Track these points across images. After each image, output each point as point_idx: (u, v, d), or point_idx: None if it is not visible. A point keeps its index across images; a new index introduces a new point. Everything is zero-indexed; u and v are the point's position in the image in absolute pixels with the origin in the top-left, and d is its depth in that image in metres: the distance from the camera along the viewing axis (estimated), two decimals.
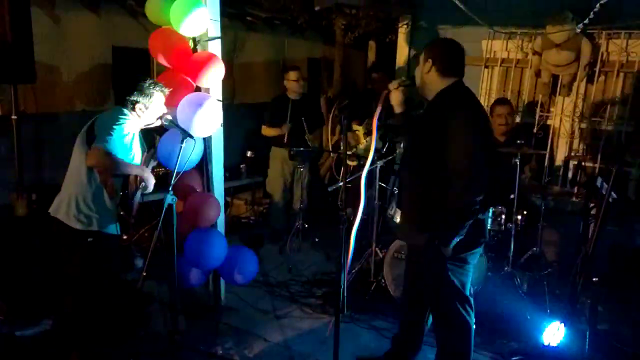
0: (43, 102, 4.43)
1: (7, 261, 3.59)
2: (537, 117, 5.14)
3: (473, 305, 2.74)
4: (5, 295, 3.46)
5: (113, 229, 2.92)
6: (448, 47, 2.62)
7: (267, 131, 5.03)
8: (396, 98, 2.73)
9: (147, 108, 2.91)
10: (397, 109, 2.77)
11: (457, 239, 2.44)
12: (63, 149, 3.03)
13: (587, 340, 2.24)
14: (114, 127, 2.72)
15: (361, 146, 4.92)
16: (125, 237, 4.04)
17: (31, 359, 3.16)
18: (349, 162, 4.46)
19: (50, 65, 4.52)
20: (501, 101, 4.37)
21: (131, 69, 5.05)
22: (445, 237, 2.46)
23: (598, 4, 3.30)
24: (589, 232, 2.67)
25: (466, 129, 2.40)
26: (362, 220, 4.11)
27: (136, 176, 2.98)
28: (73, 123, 3.24)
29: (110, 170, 2.77)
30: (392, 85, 2.73)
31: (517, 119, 4.16)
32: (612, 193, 3.35)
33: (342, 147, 3.11)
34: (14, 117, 3.85)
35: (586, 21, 3.74)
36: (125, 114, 2.85)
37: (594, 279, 2.07)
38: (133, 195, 3.00)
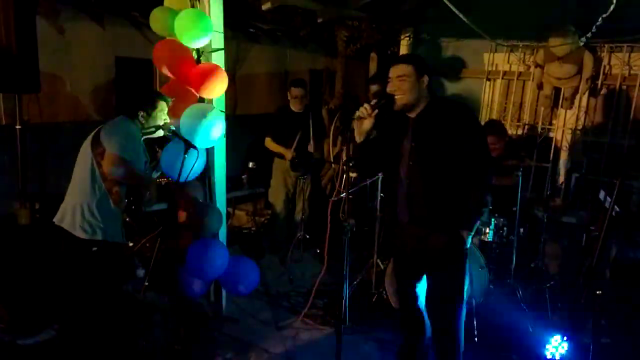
0: (47, 112, 4.45)
1: (10, 270, 3.58)
2: (539, 129, 5.15)
3: None
4: (8, 303, 3.46)
5: (118, 237, 2.93)
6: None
7: (271, 145, 5.04)
8: (368, 124, 2.58)
9: (149, 116, 2.93)
10: (360, 138, 2.60)
11: (478, 224, 2.66)
12: (66, 159, 3.05)
13: (591, 354, 2.23)
14: (123, 134, 2.75)
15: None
16: (131, 244, 4.05)
17: None
18: (350, 174, 4.46)
19: (54, 75, 4.55)
20: (498, 133, 3.99)
21: (134, 80, 5.09)
22: (470, 221, 2.62)
23: (600, 18, 3.32)
24: (592, 245, 2.67)
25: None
26: (363, 231, 4.10)
27: (141, 185, 3.00)
28: (76, 133, 3.26)
29: (124, 176, 2.78)
30: (366, 110, 2.54)
31: (520, 132, 4.16)
32: (615, 207, 3.36)
33: (343, 159, 3.10)
34: (18, 126, 3.87)
35: (589, 35, 3.76)
36: (129, 123, 2.87)
37: (597, 292, 2.06)
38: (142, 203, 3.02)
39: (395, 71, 2.61)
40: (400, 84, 2.58)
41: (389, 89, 2.61)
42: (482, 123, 4.03)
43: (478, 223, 2.69)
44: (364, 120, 2.55)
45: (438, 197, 2.63)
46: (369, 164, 2.71)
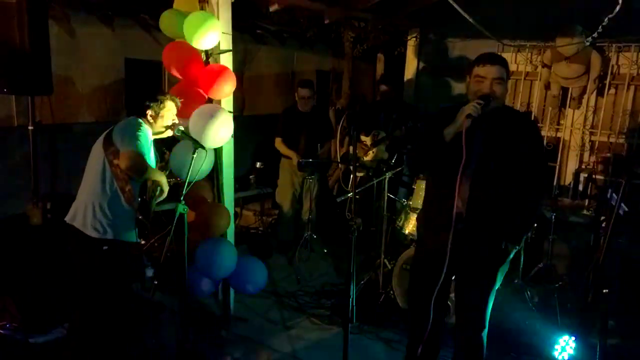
0: (58, 113, 4.51)
1: (22, 269, 3.63)
2: (546, 129, 5.14)
3: None
4: (20, 302, 3.51)
5: (130, 236, 2.96)
6: None
7: (281, 147, 5.08)
8: (469, 123, 2.37)
9: (158, 115, 2.96)
10: (451, 137, 2.42)
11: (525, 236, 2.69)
12: (78, 159, 3.09)
13: (598, 354, 2.23)
14: (135, 133, 2.78)
15: (367, 157, 4.95)
16: (143, 242, 4.08)
17: None
18: (357, 174, 4.48)
19: (66, 77, 4.61)
20: None
21: (143, 81, 5.14)
22: (520, 234, 2.62)
23: (607, 18, 3.31)
24: (600, 245, 2.66)
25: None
26: (370, 231, 4.08)
27: (153, 182, 3.03)
28: (87, 133, 3.31)
29: (143, 170, 2.81)
30: (476, 109, 2.37)
31: None
32: (624, 205, 3.36)
33: (350, 158, 3.08)
34: (30, 127, 3.92)
35: (595, 34, 3.75)
36: (140, 122, 2.91)
37: (604, 291, 2.06)
38: (151, 200, 3.05)
39: (492, 72, 2.45)
40: (498, 86, 2.45)
41: (485, 90, 2.44)
42: None
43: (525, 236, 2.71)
44: (468, 122, 2.36)
45: (500, 204, 2.55)
46: (428, 162, 2.59)
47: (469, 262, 2.63)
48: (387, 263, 4.14)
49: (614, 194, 3.18)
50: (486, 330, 2.76)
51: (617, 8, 3.04)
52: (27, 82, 3.61)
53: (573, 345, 3.08)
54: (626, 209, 3.44)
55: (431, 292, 2.66)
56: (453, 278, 2.80)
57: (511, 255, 2.66)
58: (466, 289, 2.74)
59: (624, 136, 4.84)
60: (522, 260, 3.81)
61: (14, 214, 4.05)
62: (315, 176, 5.16)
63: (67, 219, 2.92)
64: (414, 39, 6.05)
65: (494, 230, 2.58)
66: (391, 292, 3.91)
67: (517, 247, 2.64)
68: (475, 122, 2.40)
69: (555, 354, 3.14)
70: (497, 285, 2.71)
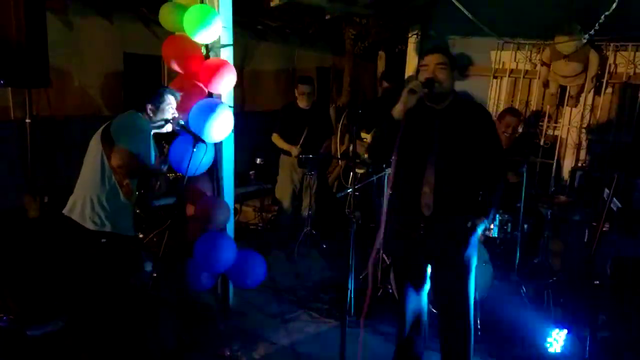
0: (56, 106, 4.51)
1: (19, 262, 3.64)
2: (544, 127, 5.17)
3: None
4: (17, 295, 3.51)
5: (128, 229, 2.97)
6: None
7: (279, 141, 5.07)
8: (413, 101, 2.54)
9: (157, 109, 2.97)
10: (400, 115, 2.55)
11: (493, 212, 2.79)
12: (75, 152, 3.10)
13: (587, 345, 2.26)
14: (133, 128, 2.79)
15: (367, 155, 4.95)
16: (141, 235, 4.09)
17: (42, 359, 3.19)
18: (357, 170, 4.49)
19: (64, 70, 4.61)
20: (513, 112, 4.28)
21: (142, 75, 5.14)
22: (487, 208, 2.72)
23: (603, 16, 3.34)
24: (595, 241, 2.70)
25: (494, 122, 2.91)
26: (369, 227, 4.07)
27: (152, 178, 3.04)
28: (85, 127, 3.31)
29: (134, 170, 2.82)
30: (418, 86, 2.55)
31: (520, 129, 4.18)
32: (617, 202, 3.39)
33: (350, 155, 3.10)
34: (27, 120, 3.93)
35: (592, 32, 3.77)
36: (139, 116, 2.91)
37: (595, 282, 2.09)
38: (152, 195, 3.06)
39: (434, 59, 2.63)
40: (440, 71, 2.61)
41: (427, 75, 2.61)
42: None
43: (493, 212, 2.80)
44: (412, 97, 2.52)
45: (463, 189, 2.69)
46: (388, 148, 2.60)
47: (441, 248, 2.73)
48: (385, 258, 4.16)
49: (607, 190, 3.20)
50: (471, 317, 2.81)
51: (614, 6, 3.06)
52: (25, 74, 3.61)
53: (565, 337, 3.13)
54: (619, 205, 3.47)
55: (409, 280, 2.85)
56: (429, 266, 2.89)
57: (479, 231, 2.73)
58: (441, 274, 2.82)
59: (620, 134, 4.87)
60: (517, 255, 3.85)
61: (11, 208, 4.05)
62: (315, 172, 5.16)
63: (65, 211, 2.92)
64: (415, 36, 6.05)
65: (462, 216, 2.70)
66: (389, 286, 3.94)
67: (485, 224, 2.73)
68: (432, 114, 2.67)
69: (548, 346, 3.19)
70: (473, 268, 2.78)
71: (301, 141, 4.90)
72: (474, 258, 2.80)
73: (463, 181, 2.69)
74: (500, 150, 2.83)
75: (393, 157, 2.53)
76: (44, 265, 3.65)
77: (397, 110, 2.55)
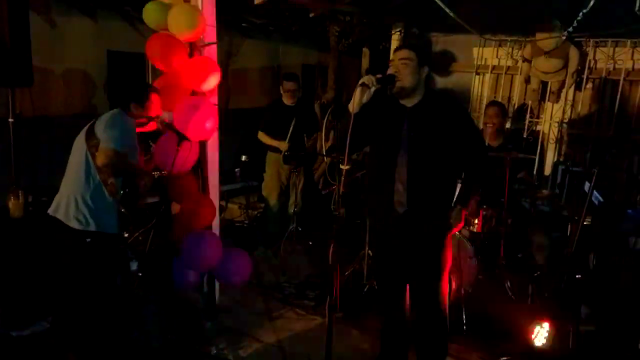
0: (39, 105, 4.45)
1: (3, 262, 3.61)
2: (526, 123, 5.24)
3: None
4: (1, 296, 3.48)
5: (113, 228, 2.96)
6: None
7: (265, 138, 5.07)
8: (367, 96, 2.50)
9: (142, 107, 2.96)
10: (357, 109, 2.50)
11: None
12: (59, 152, 3.08)
13: (571, 339, 2.31)
14: (118, 127, 2.78)
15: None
16: (126, 234, 4.08)
17: (27, 359, 3.18)
18: (342, 167, 4.51)
19: (47, 68, 4.58)
20: (495, 103, 4.34)
21: (126, 73, 5.12)
22: (464, 198, 2.78)
23: (581, 13, 3.40)
24: (576, 235, 2.75)
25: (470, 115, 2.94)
26: (355, 223, 4.08)
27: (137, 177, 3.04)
28: (68, 126, 3.28)
29: (119, 169, 2.81)
30: (371, 80, 2.51)
31: (508, 125, 4.24)
32: (599, 196, 3.45)
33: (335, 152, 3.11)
34: (10, 119, 3.88)
35: (570, 29, 3.84)
36: (123, 115, 2.91)
37: (577, 276, 2.14)
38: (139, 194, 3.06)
39: (399, 54, 2.67)
40: (403, 67, 2.63)
41: (390, 70, 2.64)
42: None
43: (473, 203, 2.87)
44: (365, 91, 2.48)
45: (437, 186, 2.70)
46: (355, 141, 2.49)
47: (415, 245, 2.75)
48: (371, 254, 4.19)
49: (587, 184, 3.26)
50: (446, 314, 2.86)
51: (592, 3, 3.12)
52: (7, 73, 3.57)
53: (548, 331, 3.18)
54: (601, 199, 3.54)
55: (389, 276, 2.88)
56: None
57: (454, 227, 2.78)
58: (416, 271, 2.84)
59: (600, 129, 4.95)
60: (502, 250, 3.89)
61: None
62: (301, 169, 5.18)
63: (50, 210, 2.91)
64: (398, 33, 6.09)
65: (435, 211, 2.72)
66: (375, 283, 3.97)
67: (458, 220, 2.77)
68: (402, 111, 2.68)
69: (533, 340, 3.24)
70: (446, 265, 2.81)
71: (288, 137, 4.90)
72: (448, 255, 2.81)
73: (437, 179, 2.69)
74: (480, 141, 2.85)
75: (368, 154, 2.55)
76: (29, 266, 3.62)
77: (351, 104, 2.52)
